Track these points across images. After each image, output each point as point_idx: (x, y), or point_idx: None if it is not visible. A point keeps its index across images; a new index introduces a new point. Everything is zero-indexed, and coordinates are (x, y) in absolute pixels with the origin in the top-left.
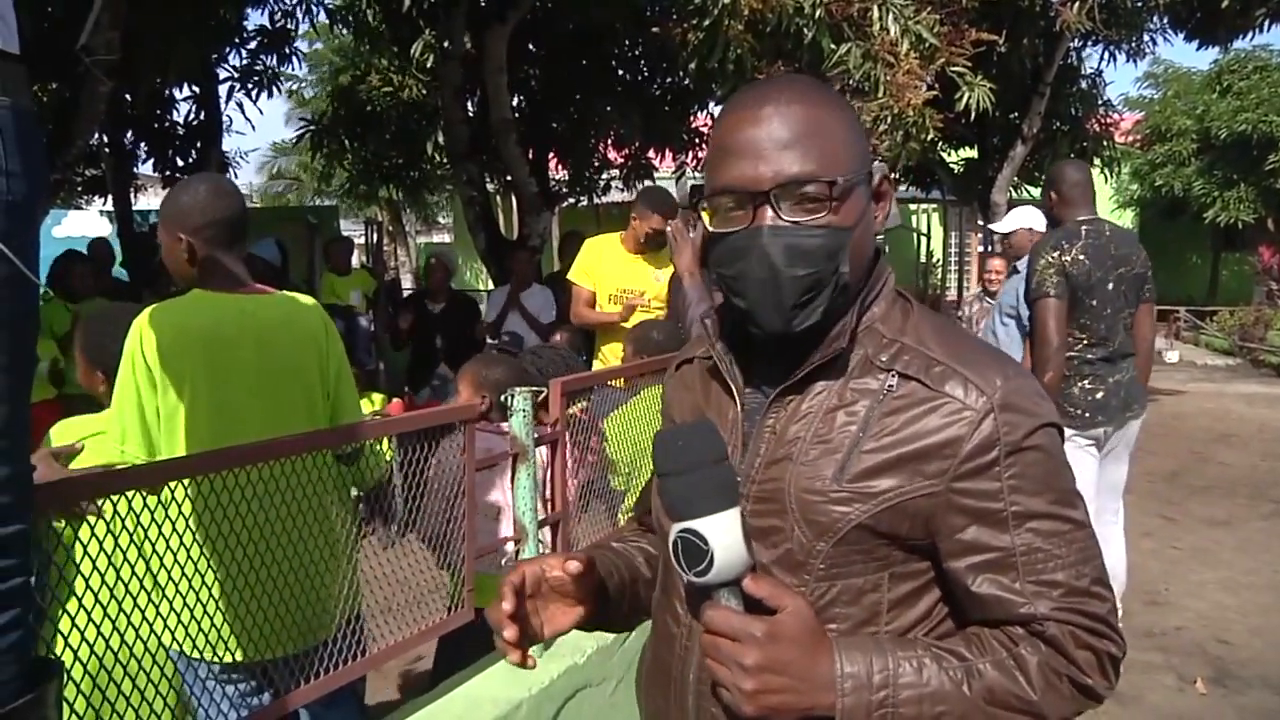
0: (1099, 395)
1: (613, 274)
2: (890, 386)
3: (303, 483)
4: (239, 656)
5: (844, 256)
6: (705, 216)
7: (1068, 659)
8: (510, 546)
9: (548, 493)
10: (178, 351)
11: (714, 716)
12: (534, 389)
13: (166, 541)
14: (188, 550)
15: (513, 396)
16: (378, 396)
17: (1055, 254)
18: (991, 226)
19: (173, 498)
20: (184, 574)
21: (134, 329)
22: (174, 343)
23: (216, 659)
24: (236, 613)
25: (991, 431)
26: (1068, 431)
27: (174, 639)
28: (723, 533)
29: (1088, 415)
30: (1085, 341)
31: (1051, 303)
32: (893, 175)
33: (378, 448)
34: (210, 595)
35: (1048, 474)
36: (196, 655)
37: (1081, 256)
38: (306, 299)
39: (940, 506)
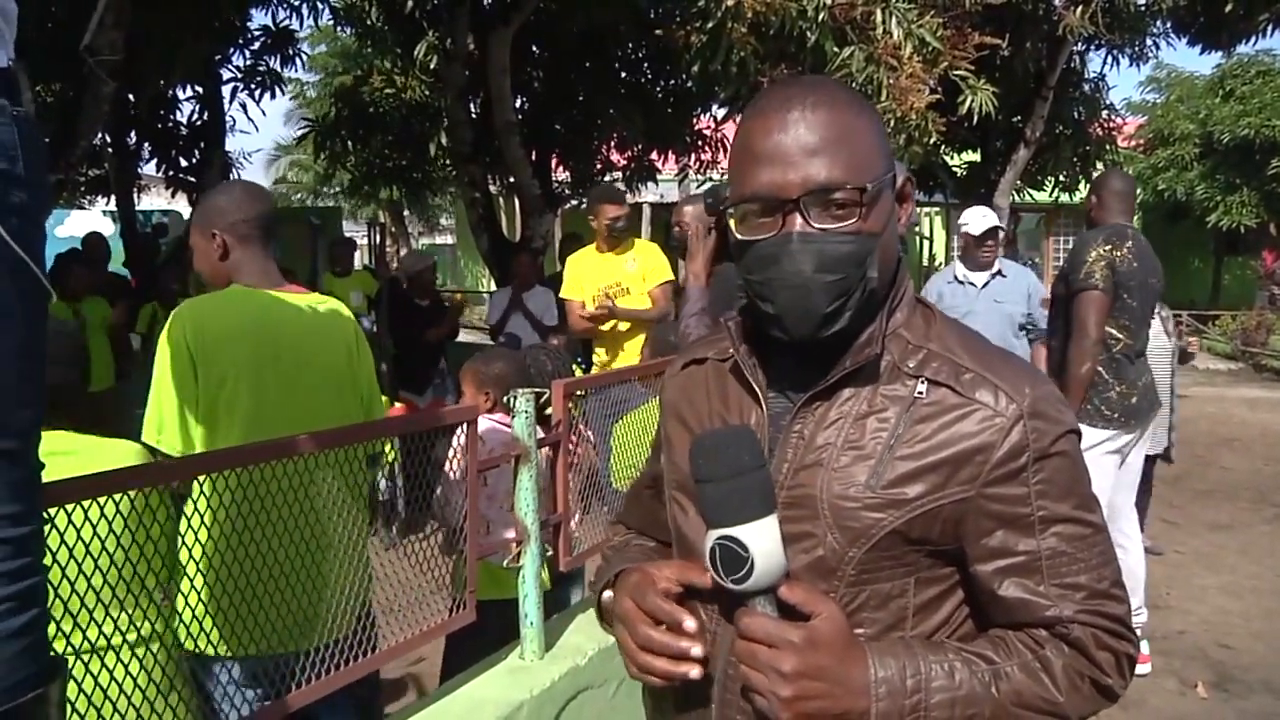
0: (1134, 399)
1: (592, 277)
2: (920, 393)
3: (310, 482)
4: (251, 651)
5: (873, 262)
6: (731, 223)
7: (1090, 660)
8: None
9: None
10: (223, 343)
11: None
12: (536, 390)
13: (181, 538)
14: (201, 546)
15: (515, 398)
16: (383, 398)
17: (1107, 248)
18: (974, 230)
19: (204, 489)
20: (197, 570)
21: (175, 321)
22: (219, 334)
23: (230, 654)
24: (249, 608)
25: (1021, 438)
26: (1098, 435)
27: (189, 635)
28: (763, 540)
29: (1122, 419)
30: (1124, 342)
31: (1097, 295)
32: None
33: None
34: (223, 591)
35: (1071, 479)
36: (211, 651)
37: (1130, 256)
38: (338, 302)
39: (970, 511)
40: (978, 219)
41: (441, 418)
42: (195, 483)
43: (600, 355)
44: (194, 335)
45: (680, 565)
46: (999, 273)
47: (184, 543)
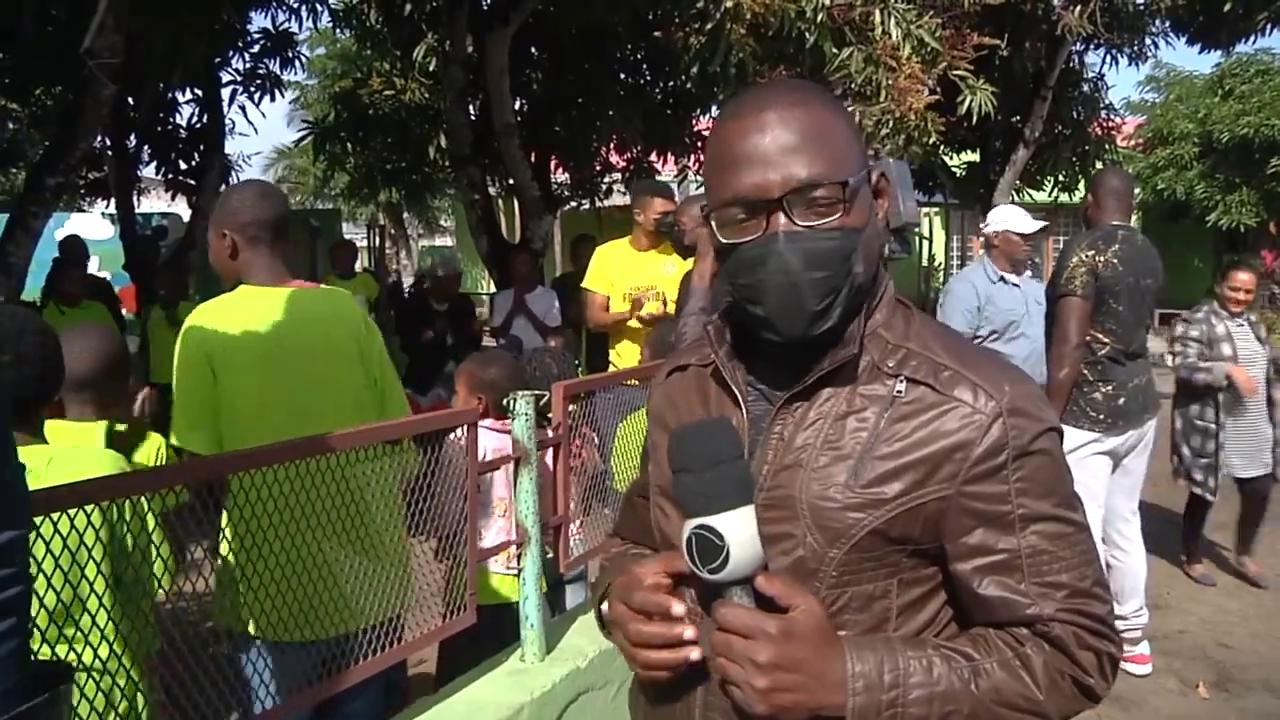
0: (1121, 400)
1: (625, 274)
2: (899, 392)
3: (338, 477)
4: (270, 636)
5: (858, 257)
6: (713, 228)
7: (1071, 659)
8: (511, 549)
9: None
10: (234, 345)
11: None
12: (536, 393)
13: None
14: (241, 538)
15: (515, 400)
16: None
17: (1090, 253)
18: (1025, 229)
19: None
20: (246, 558)
21: (190, 327)
22: (230, 337)
23: (276, 637)
24: (288, 594)
25: (1000, 435)
26: (1084, 436)
27: (239, 619)
28: (738, 529)
29: (1109, 420)
30: (1110, 346)
31: (1076, 301)
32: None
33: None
34: (266, 577)
35: (1052, 477)
36: (257, 634)
37: (1115, 260)
38: (342, 290)
39: (950, 509)
40: (1021, 217)
41: (441, 420)
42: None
43: (618, 355)
44: (209, 339)
45: (665, 557)
46: (1027, 275)
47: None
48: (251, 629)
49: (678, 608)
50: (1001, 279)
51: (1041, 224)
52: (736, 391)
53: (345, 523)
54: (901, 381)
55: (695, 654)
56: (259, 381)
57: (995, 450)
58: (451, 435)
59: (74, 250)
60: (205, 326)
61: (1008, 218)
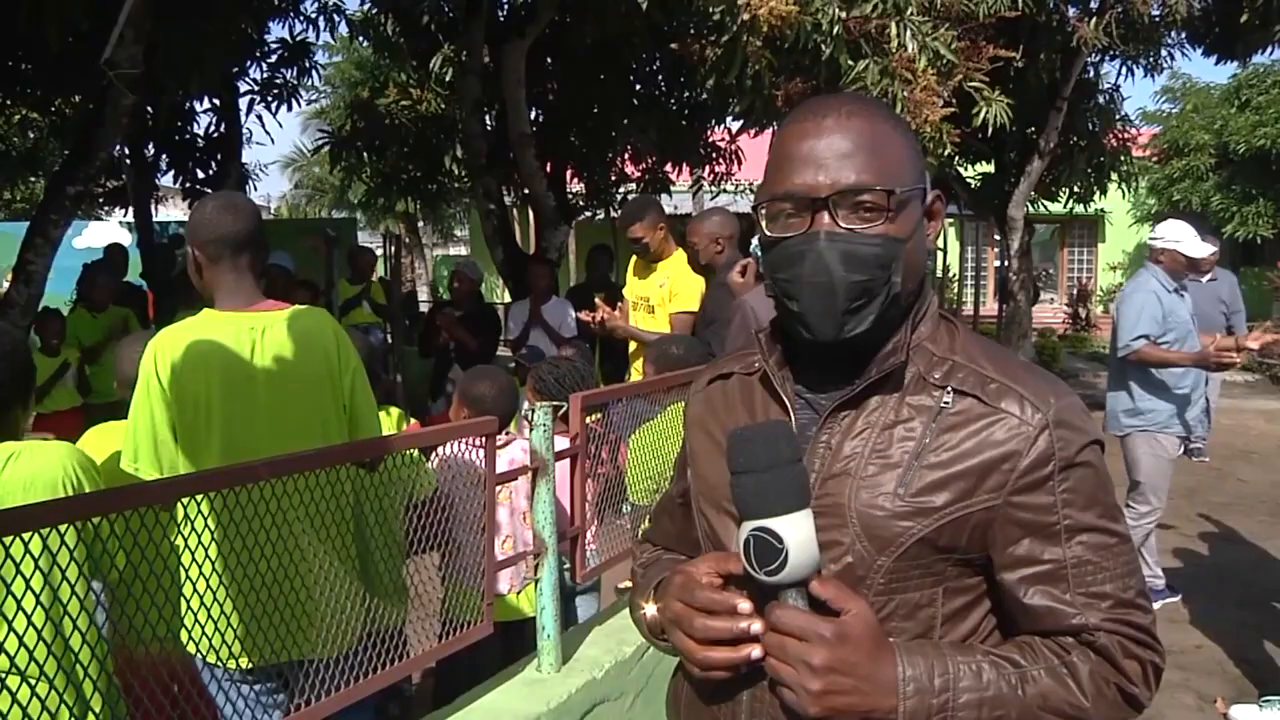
0: None
1: (633, 285)
2: (946, 403)
3: (317, 498)
4: (253, 661)
5: (897, 266)
6: (761, 221)
7: (1116, 668)
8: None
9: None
10: (192, 372)
11: None
12: (555, 403)
13: (187, 554)
14: (200, 563)
15: (533, 411)
16: (395, 411)
17: None
18: (1194, 253)
19: (189, 511)
20: (206, 583)
21: (148, 350)
22: (188, 363)
23: (236, 664)
24: (250, 618)
25: (1047, 447)
26: None
27: (197, 647)
28: (797, 532)
29: None
30: None
31: None
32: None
33: (420, 458)
34: (228, 601)
35: (1096, 489)
36: (214, 660)
37: None
38: (317, 310)
39: (997, 520)
40: (1192, 239)
41: (456, 431)
42: (194, 501)
43: (637, 367)
44: (163, 364)
45: (716, 557)
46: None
47: (181, 558)
48: (220, 656)
49: (744, 604)
50: (1175, 289)
51: (1212, 249)
52: (785, 398)
53: (321, 545)
54: (948, 393)
55: (756, 651)
56: (219, 410)
57: (1042, 461)
58: (444, 450)
59: (116, 256)
60: (162, 354)
61: (1179, 236)
